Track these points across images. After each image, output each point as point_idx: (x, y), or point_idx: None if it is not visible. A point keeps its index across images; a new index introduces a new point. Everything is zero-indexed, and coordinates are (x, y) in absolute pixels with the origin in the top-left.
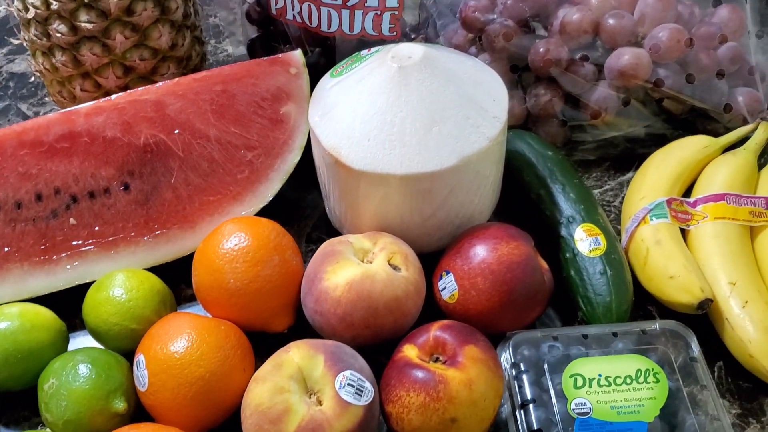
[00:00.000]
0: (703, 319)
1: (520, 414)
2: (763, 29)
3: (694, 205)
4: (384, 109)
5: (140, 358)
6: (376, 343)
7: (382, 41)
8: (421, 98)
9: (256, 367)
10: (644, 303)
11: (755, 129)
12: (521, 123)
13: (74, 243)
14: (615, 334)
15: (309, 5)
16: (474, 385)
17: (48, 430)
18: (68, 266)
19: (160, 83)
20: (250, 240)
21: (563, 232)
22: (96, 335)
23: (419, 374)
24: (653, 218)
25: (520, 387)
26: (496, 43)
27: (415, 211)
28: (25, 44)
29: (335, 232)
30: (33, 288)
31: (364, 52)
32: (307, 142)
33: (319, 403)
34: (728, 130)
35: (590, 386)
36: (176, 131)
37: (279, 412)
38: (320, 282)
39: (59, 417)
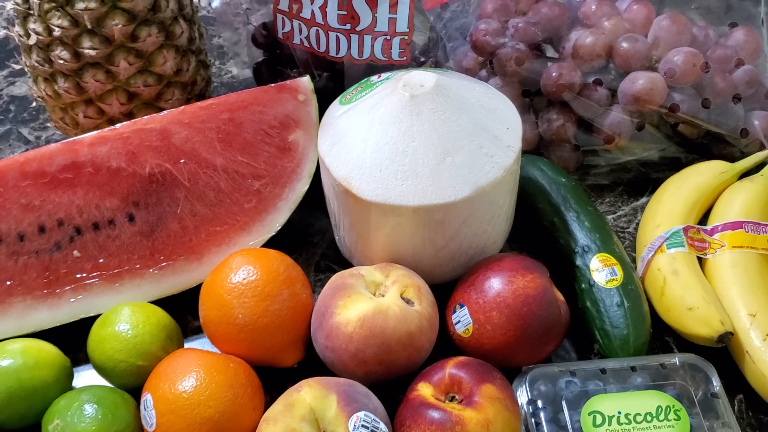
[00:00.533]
0: (722, 351)
1: None
2: None
3: (712, 233)
4: (396, 139)
5: (147, 398)
6: (388, 378)
7: (391, 66)
8: (433, 128)
9: (266, 405)
10: (661, 334)
11: None
12: (533, 148)
13: (78, 276)
14: (633, 368)
15: (317, 30)
16: (492, 426)
17: None
18: (72, 299)
19: (165, 112)
20: (258, 273)
21: (578, 261)
22: (101, 372)
23: (435, 415)
24: (670, 247)
25: (538, 424)
26: (507, 67)
27: (428, 242)
28: (26, 70)
29: (344, 261)
30: (36, 322)
31: (374, 78)
32: (315, 169)
33: None
34: (744, 154)
35: (610, 424)
36: (182, 161)
37: None
38: (331, 317)
39: None
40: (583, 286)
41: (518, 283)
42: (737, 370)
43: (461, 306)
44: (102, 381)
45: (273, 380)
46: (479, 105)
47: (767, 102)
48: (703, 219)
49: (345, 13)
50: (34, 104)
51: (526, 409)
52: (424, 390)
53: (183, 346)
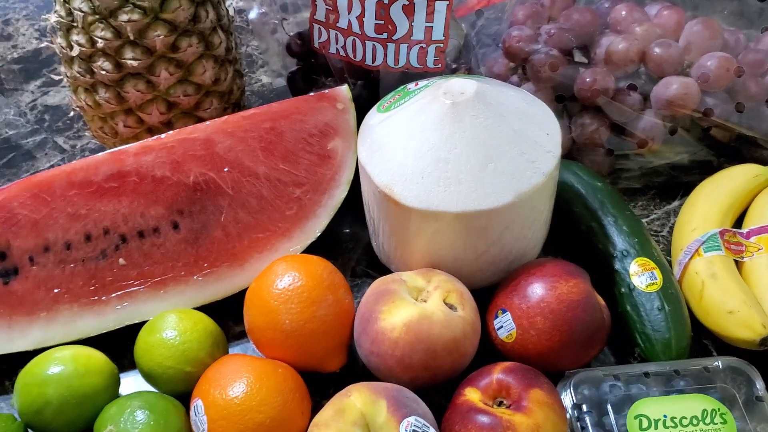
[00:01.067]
0: (762, 355)
1: None
2: None
3: (747, 236)
4: (438, 146)
5: (198, 403)
6: (433, 384)
7: (426, 73)
8: (475, 134)
9: (312, 408)
10: (699, 337)
11: None
12: (566, 153)
13: (124, 283)
14: (676, 372)
15: (354, 39)
16: (542, 430)
17: None
18: (118, 307)
19: (208, 122)
20: (303, 279)
21: (617, 266)
22: (149, 378)
23: (485, 420)
24: (707, 251)
25: (584, 428)
26: (542, 73)
27: (469, 248)
28: (66, 80)
29: (380, 266)
30: (82, 329)
31: (411, 86)
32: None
33: None
34: None
35: (656, 428)
36: (225, 169)
37: None
38: (376, 322)
39: None
40: (623, 290)
41: (562, 288)
42: None
43: (503, 311)
44: (148, 387)
45: (316, 385)
46: (518, 111)
47: None
48: (738, 222)
49: (382, 22)
50: (68, 114)
51: (571, 413)
52: (472, 395)
53: (228, 352)
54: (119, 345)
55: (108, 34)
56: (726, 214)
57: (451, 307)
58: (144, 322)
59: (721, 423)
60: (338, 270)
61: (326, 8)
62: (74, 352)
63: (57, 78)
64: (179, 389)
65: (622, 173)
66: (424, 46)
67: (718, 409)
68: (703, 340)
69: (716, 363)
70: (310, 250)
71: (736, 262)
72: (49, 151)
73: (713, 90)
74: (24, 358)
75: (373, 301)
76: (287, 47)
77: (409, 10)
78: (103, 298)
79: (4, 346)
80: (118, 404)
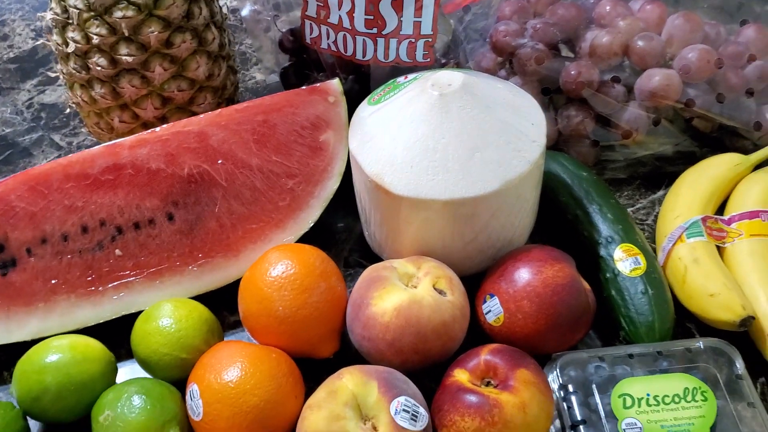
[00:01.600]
0: (742, 336)
1: None
2: None
3: (729, 222)
4: (426, 136)
5: (194, 388)
6: (423, 367)
7: (415, 68)
8: (462, 125)
9: (306, 394)
10: (683, 320)
11: None
12: (552, 144)
13: (120, 274)
14: (660, 353)
15: (344, 34)
16: (528, 409)
17: None
18: (114, 297)
19: (202, 115)
20: (296, 267)
21: (602, 252)
22: (145, 365)
23: (473, 399)
24: (689, 237)
25: (570, 408)
26: (527, 67)
27: (457, 235)
28: (62, 77)
29: (372, 256)
30: (80, 319)
31: (401, 79)
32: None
33: (375, 429)
34: (757, 146)
35: (639, 406)
36: (219, 161)
37: None
38: (367, 308)
39: None
40: (608, 275)
41: (547, 272)
42: (758, 354)
43: (491, 296)
44: (144, 374)
45: (310, 371)
46: (505, 102)
47: None
48: (720, 209)
49: (372, 17)
50: (64, 111)
51: (557, 393)
52: (461, 376)
53: (223, 339)
54: (116, 336)
55: (103, 31)
56: (708, 201)
57: (440, 292)
58: (140, 312)
59: (702, 400)
60: (331, 259)
61: (317, 5)
62: (72, 340)
63: (53, 75)
64: (175, 375)
65: (608, 164)
66: (413, 40)
67: (699, 387)
68: (686, 322)
69: (698, 344)
70: (304, 240)
71: (718, 247)
72: (46, 148)
73: (695, 81)
74: (22, 348)
75: (365, 287)
76: (280, 43)
77: (397, 6)
78: (100, 288)
79: (3, 337)
80: (115, 390)
